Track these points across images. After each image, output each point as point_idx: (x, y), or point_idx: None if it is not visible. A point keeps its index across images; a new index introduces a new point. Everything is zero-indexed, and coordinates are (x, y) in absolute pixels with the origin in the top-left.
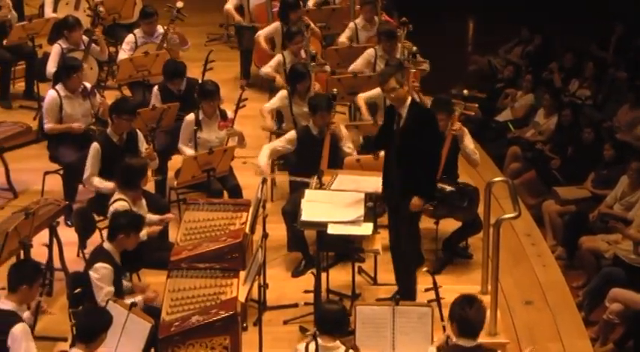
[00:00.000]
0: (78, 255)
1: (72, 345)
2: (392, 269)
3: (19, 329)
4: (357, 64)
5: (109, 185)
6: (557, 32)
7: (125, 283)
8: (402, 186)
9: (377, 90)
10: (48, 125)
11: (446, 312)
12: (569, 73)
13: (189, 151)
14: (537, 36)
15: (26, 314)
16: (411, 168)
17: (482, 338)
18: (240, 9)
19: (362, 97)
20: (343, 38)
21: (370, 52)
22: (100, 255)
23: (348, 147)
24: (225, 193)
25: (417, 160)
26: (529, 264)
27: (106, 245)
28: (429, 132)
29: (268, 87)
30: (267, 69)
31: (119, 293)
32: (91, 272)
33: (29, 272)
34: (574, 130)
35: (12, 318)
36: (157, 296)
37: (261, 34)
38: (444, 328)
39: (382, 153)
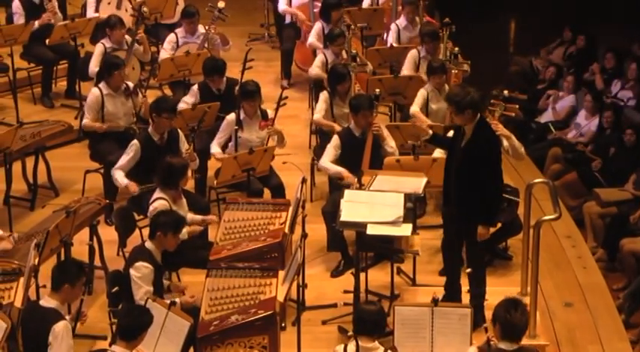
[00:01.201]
0: (118, 254)
1: (111, 343)
2: (430, 270)
3: (61, 327)
4: (406, 69)
5: (124, 181)
6: (600, 33)
7: (163, 281)
8: (460, 208)
9: (421, 96)
10: (85, 120)
11: (486, 314)
12: (611, 74)
13: (217, 151)
14: (580, 37)
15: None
16: (468, 189)
17: (522, 340)
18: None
19: (416, 110)
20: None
21: (414, 53)
22: (141, 253)
23: (390, 146)
24: (268, 192)
25: (474, 182)
26: (569, 266)
27: (148, 244)
28: (492, 157)
29: (308, 87)
30: (315, 70)
31: (158, 293)
32: (131, 271)
33: (72, 272)
34: (615, 132)
35: (54, 316)
36: (195, 300)
37: (314, 39)
38: (485, 329)
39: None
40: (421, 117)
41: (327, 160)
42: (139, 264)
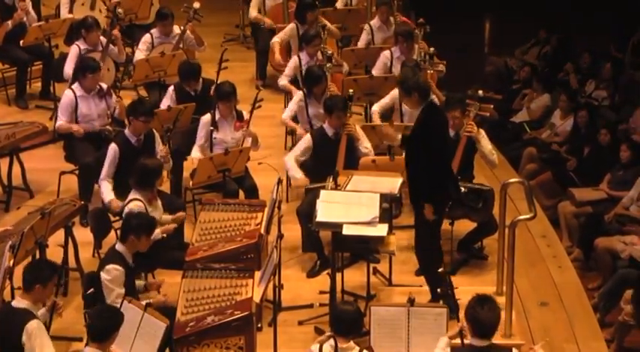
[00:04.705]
0: (93, 255)
1: (86, 345)
2: (406, 270)
3: (33, 325)
4: (376, 70)
5: (107, 197)
6: (574, 33)
7: (138, 282)
8: (410, 190)
9: (390, 96)
10: (59, 122)
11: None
12: (586, 74)
13: (196, 155)
14: (554, 37)
15: (41, 311)
16: (413, 170)
17: (498, 339)
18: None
19: (376, 111)
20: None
21: (386, 54)
22: (112, 256)
23: (364, 147)
24: (242, 193)
25: (416, 164)
26: (544, 266)
27: (119, 246)
28: (431, 140)
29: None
30: (283, 81)
31: (131, 295)
32: (102, 274)
33: (43, 272)
34: (590, 131)
35: (26, 316)
36: (167, 299)
37: (277, 41)
38: (457, 319)
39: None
40: (377, 120)
41: (292, 157)
42: (109, 266)
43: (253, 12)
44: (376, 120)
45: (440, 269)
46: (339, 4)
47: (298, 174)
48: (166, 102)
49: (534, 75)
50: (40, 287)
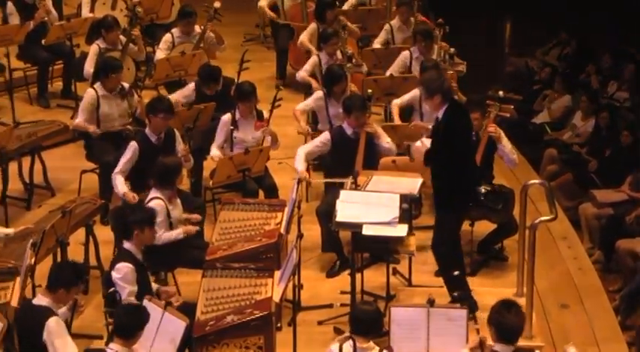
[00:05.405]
0: (114, 254)
1: (107, 343)
2: (426, 271)
3: (53, 323)
4: (393, 68)
5: (122, 190)
6: (595, 34)
7: (152, 283)
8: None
9: (411, 94)
10: (77, 121)
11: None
12: (608, 75)
13: (216, 153)
14: (575, 37)
15: (62, 310)
16: (435, 173)
17: (518, 341)
18: (273, 8)
19: (396, 104)
20: (377, 44)
21: (405, 54)
22: (120, 255)
23: (386, 142)
24: (262, 193)
25: (438, 167)
26: (565, 267)
27: (126, 244)
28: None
29: (304, 87)
30: (302, 73)
31: (147, 291)
32: (112, 273)
33: (69, 277)
34: (612, 133)
35: (46, 313)
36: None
37: (304, 38)
38: (477, 331)
39: (416, 156)
40: (395, 114)
41: (304, 150)
42: (119, 265)
43: (263, 1)
44: (395, 113)
45: (455, 273)
46: (346, 5)
47: (301, 167)
48: (185, 92)
49: (556, 76)
50: (64, 291)
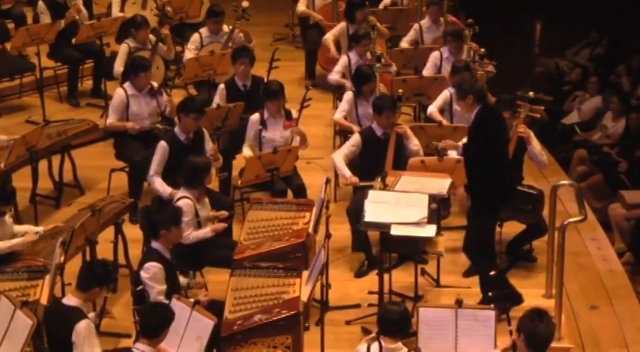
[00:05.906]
0: (142, 252)
1: (135, 341)
2: (454, 271)
3: (82, 325)
4: (427, 70)
5: (167, 190)
6: (626, 34)
7: (181, 279)
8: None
9: (442, 97)
10: (108, 120)
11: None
12: (638, 75)
13: (248, 153)
14: (606, 38)
15: (91, 315)
16: (469, 173)
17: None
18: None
19: (434, 111)
20: (405, 43)
21: (435, 54)
22: (149, 254)
23: (414, 144)
24: (290, 193)
25: (470, 168)
26: (594, 268)
27: (154, 244)
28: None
29: (333, 87)
30: (334, 76)
31: (176, 289)
32: (141, 273)
33: (103, 274)
34: None
35: (77, 314)
36: (207, 300)
37: (330, 37)
38: (510, 332)
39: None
40: (439, 118)
41: (340, 156)
42: (147, 264)
43: (301, 6)
44: (437, 117)
45: (491, 273)
46: (381, 5)
47: (348, 173)
48: (217, 99)
49: (587, 76)
50: (99, 289)
